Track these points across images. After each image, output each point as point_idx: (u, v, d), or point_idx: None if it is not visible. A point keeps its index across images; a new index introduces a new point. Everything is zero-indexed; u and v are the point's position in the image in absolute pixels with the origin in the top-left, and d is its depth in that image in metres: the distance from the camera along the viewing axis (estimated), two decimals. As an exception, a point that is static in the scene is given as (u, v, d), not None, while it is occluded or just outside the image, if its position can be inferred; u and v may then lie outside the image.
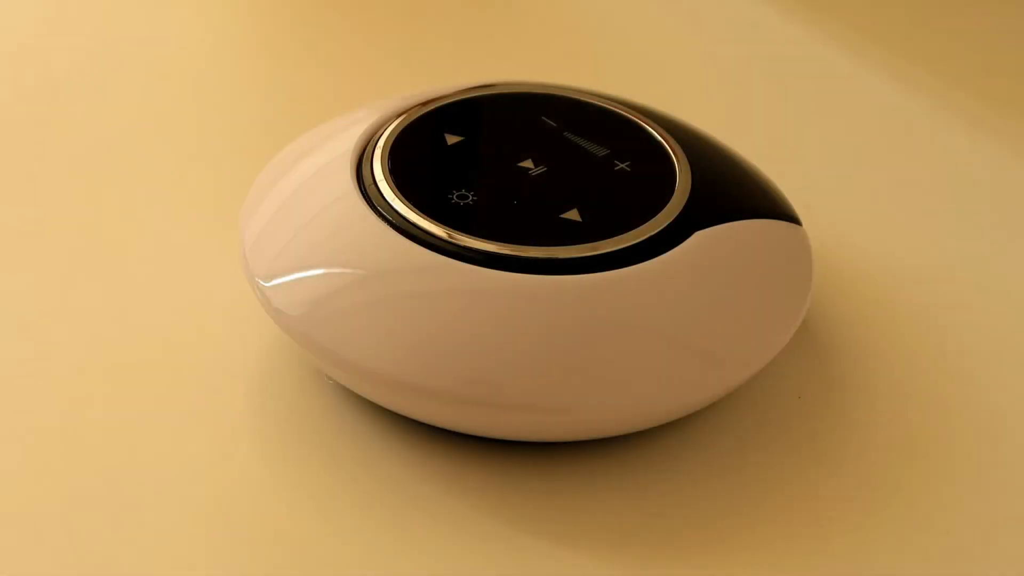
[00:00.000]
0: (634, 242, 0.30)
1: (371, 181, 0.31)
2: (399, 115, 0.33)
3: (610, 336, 0.29)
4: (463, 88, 0.35)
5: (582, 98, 0.35)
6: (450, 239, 0.29)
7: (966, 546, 0.29)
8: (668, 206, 0.31)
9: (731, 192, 0.32)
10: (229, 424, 0.31)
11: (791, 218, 0.33)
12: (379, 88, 0.38)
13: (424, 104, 0.34)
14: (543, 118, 0.34)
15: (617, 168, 0.32)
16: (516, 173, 0.32)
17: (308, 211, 0.31)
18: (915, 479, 0.30)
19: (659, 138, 0.33)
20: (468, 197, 0.31)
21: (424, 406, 0.29)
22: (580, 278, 0.29)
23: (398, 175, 0.31)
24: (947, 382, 0.33)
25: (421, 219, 0.30)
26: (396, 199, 0.30)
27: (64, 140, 0.41)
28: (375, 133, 0.33)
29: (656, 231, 0.30)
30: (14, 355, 0.33)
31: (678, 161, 0.32)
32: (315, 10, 0.50)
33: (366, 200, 0.30)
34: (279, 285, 0.30)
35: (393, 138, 0.32)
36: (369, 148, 0.32)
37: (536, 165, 0.32)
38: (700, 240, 0.30)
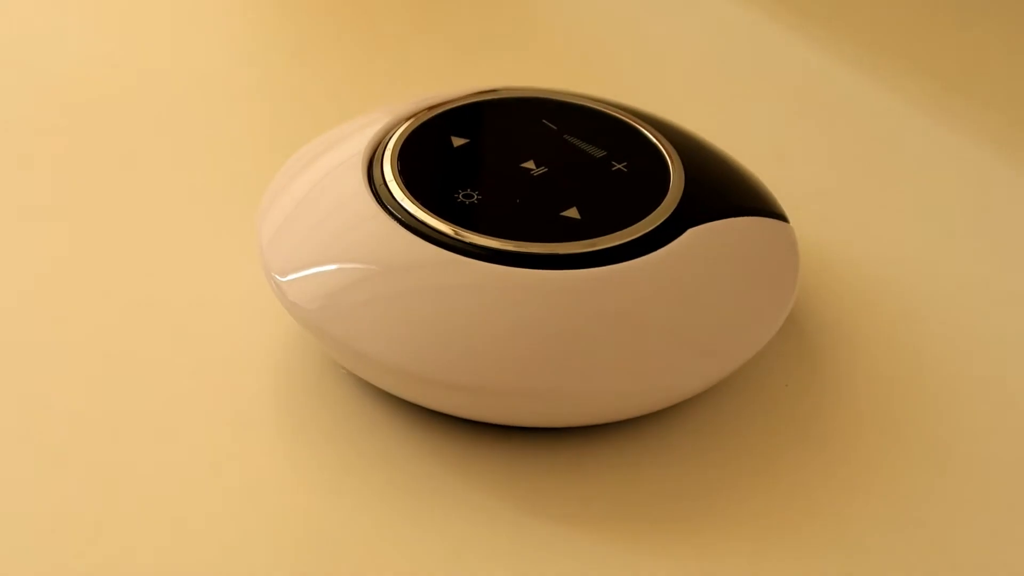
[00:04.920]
0: (631, 238, 0.30)
1: (381, 181, 0.31)
2: (408, 118, 0.33)
3: (609, 328, 0.29)
4: (469, 93, 0.35)
5: (581, 103, 0.35)
6: (456, 236, 0.29)
7: (939, 521, 0.29)
8: (662, 204, 0.31)
9: (722, 191, 0.33)
10: (248, 411, 0.31)
11: (779, 216, 0.33)
12: (389, 93, 0.38)
13: (432, 108, 0.34)
14: (544, 121, 0.34)
15: (614, 168, 0.32)
16: (519, 173, 0.32)
17: (322, 209, 0.31)
18: (893, 459, 0.30)
19: (654, 140, 0.33)
20: (473, 196, 0.31)
21: (432, 394, 0.29)
22: (580, 273, 0.29)
23: (407, 175, 0.31)
24: (923, 369, 0.33)
25: (429, 217, 0.30)
26: (405, 198, 0.30)
27: (93, 143, 0.41)
28: (385, 135, 0.33)
29: (651, 228, 0.30)
30: (48, 345, 0.33)
31: (672, 162, 0.32)
32: (331, 22, 0.49)
33: (377, 199, 0.31)
34: (294, 280, 0.30)
35: (402, 140, 0.32)
36: (380, 150, 0.32)
37: (538, 166, 0.32)
38: (693, 236, 0.30)
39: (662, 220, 0.31)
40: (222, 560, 0.28)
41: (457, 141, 0.33)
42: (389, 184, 0.31)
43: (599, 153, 0.33)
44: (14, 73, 0.45)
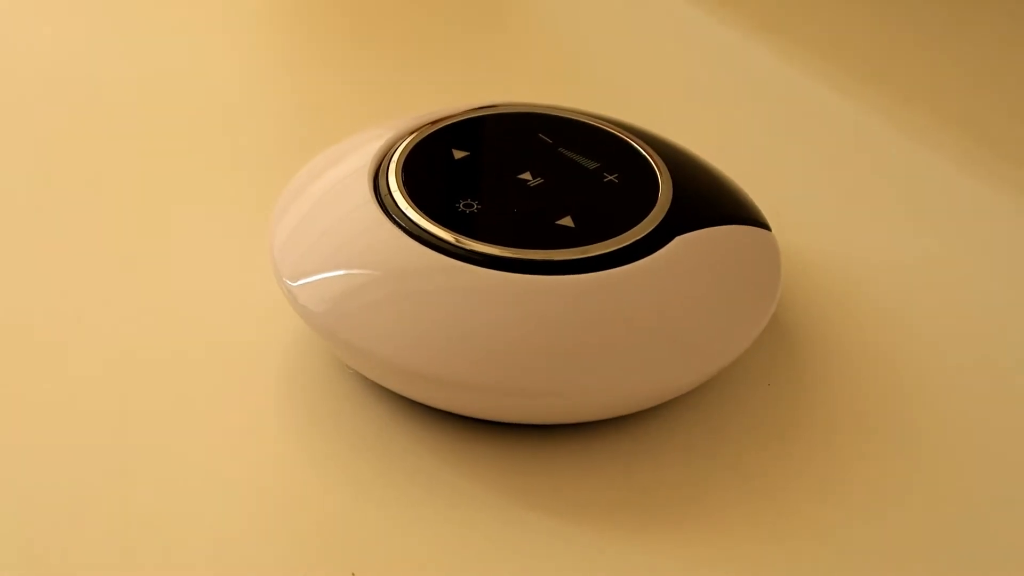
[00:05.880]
0: (622, 246, 0.30)
1: (387, 191, 0.32)
2: (411, 132, 0.34)
3: (600, 330, 0.29)
4: (469, 108, 0.35)
5: (575, 117, 0.35)
6: (457, 243, 0.30)
7: (915, 515, 0.29)
8: (652, 213, 0.31)
9: (708, 201, 0.33)
10: (261, 408, 0.31)
11: (762, 224, 0.34)
12: (394, 108, 0.38)
13: (434, 123, 0.35)
14: (540, 135, 0.34)
15: (606, 180, 0.33)
16: (516, 184, 0.32)
17: (330, 218, 0.32)
18: (870, 454, 0.31)
19: (643, 153, 0.34)
20: (473, 206, 0.31)
21: (434, 392, 0.30)
22: (574, 278, 0.29)
23: (411, 186, 0.32)
24: (900, 369, 0.33)
25: (431, 225, 0.30)
26: (409, 208, 0.31)
27: (112, 159, 0.41)
28: (390, 148, 0.33)
29: (641, 236, 0.31)
30: (73, 345, 0.33)
31: (660, 173, 0.33)
32: (338, 42, 0.50)
33: (382, 208, 0.31)
34: (304, 284, 0.31)
35: (406, 153, 0.33)
36: (385, 162, 0.33)
37: (534, 177, 0.33)
38: (680, 244, 0.31)
39: (651, 228, 0.31)
40: (228, 549, 0.28)
41: (458, 154, 0.34)
42: (394, 194, 0.32)
43: (592, 165, 0.33)
44: (33, 78, 0.45)
